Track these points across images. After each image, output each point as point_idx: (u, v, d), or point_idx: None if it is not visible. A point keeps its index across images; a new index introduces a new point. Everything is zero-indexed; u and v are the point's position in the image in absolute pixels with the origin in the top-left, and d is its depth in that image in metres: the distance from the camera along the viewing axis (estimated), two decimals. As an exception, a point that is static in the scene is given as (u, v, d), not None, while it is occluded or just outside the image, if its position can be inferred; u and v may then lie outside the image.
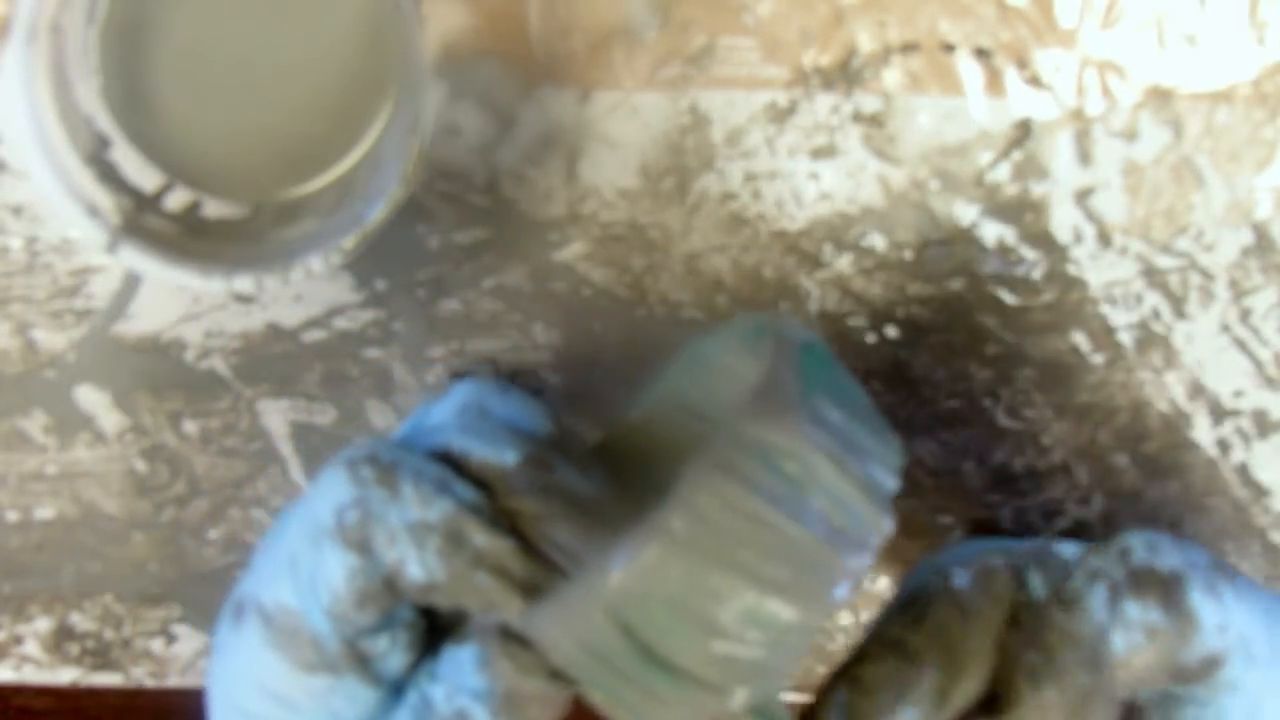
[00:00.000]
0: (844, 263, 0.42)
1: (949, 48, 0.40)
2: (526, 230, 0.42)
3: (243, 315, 0.42)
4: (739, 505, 0.29)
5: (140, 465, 0.44)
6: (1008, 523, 0.45)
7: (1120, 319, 0.43)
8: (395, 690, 0.34)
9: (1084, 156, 0.41)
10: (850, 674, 0.35)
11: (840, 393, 0.32)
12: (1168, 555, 0.34)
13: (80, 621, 0.45)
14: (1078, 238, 0.42)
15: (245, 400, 0.43)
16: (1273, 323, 0.42)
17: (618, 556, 0.29)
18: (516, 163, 0.41)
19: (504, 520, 0.33)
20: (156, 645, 0.45)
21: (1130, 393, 0.43)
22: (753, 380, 0.34)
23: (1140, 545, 0.35)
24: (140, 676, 0.46)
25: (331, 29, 0.37)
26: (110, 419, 0.43)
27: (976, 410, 0.44)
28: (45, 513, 0.44)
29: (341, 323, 0.42)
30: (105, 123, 0.36)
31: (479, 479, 0.33)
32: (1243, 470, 0.44)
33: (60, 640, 0.45)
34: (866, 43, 0.40)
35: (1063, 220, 0.42)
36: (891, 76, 0.41)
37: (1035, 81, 0.41)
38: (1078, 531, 0.45)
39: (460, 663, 0.33)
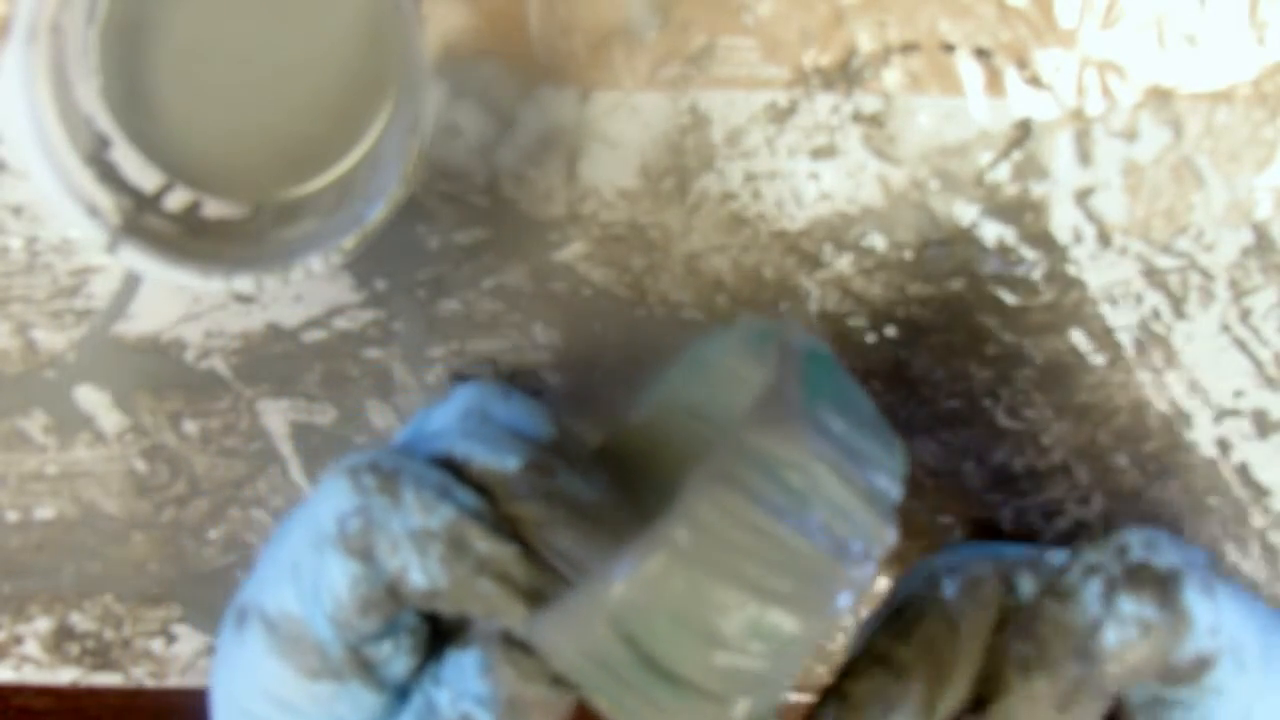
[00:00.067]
0: (844, 263, 0.42)
1: (949, 48, 0.40)
2: (526, 230, 0.42)
3: (243, 315, 0.42)
4: (742, 517, 0.29)
5: (140, 465, 0.44)
6: (1008, 523, 0.45)
7: (1120, 319, 0.43)
8: (400, 695, 0.34)
9: (1084, 156, 0.41)
10: (839, 689, 0.35)
11: (844, 400, 0.32)
12: (1165, 553, 0.34)
13: (80, 621, 0.45)
14: (1078, 238, 0.42)
15: (245, 400, 0.43)
16: (1273, 323, 0.42)
17: (620, 567, 0.29)
18: (516, 163, 0.41)
19: (506, 526, 0.32)
20: (156, 645, 0.45)
21: (1130, 393, 0.43)
22: (756, 386, 0.34)
23: (1138, 542, 0.35)
24: (140, 676, 0.46)
25: (331, 29, 0.37)
26: (110, 419, 0.43)
27: (976, 410, 0.44)
28: (45, 513, 0.44)
29: (341, 323, 0.42)
30: (105, 123, 0.36)
31: (481, 485, 0.33)
32: (1243, 470, 0.44)
33: (60, 640, 0.45)
34: (866, 43, 0.40)
35: (1063, 220, 0.42)
36: (891, 76, 0.41)
37: (1035, 81, 0.41)
38: (1078, 532, 0.45)
39: (463, 668, 0.33)
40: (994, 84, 0.41)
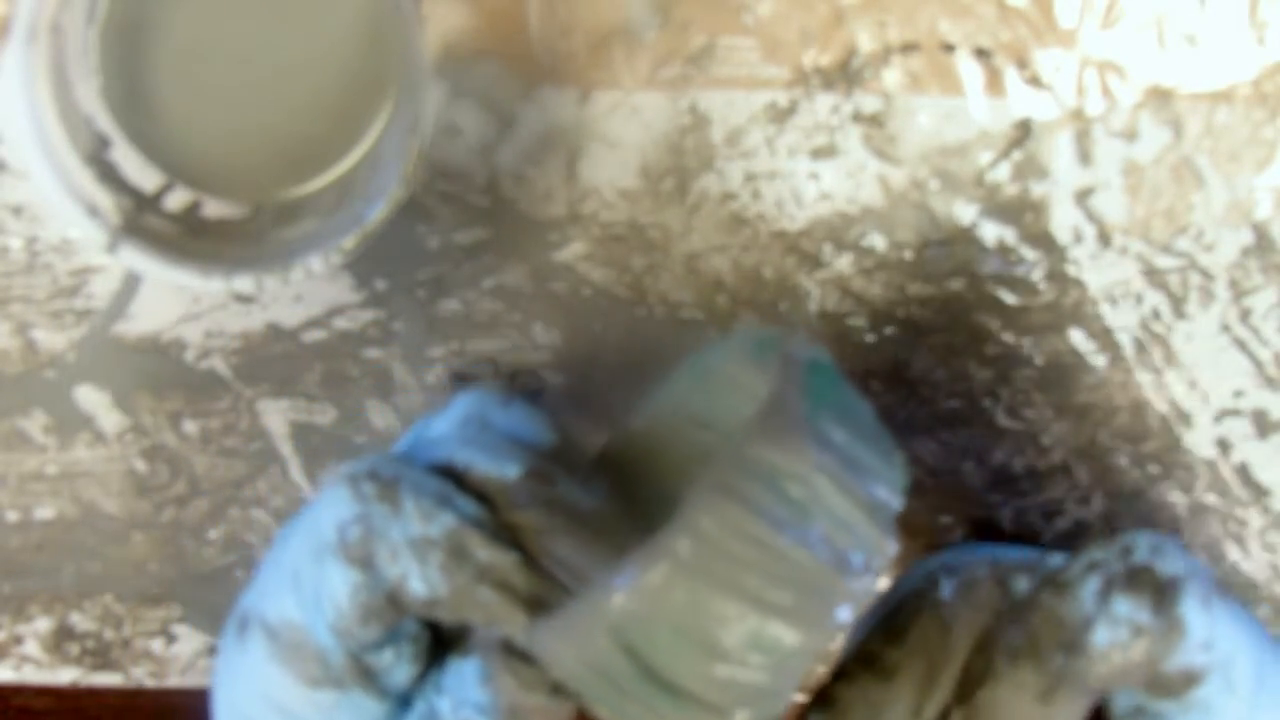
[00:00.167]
0: (844, 263, 0.42)
1: (949, 48, 0.40)
2: (526, 230, 0.42)
3: (243, 315, 0.42)
4: (743, 529, 0.29)
5: (140, 465, 0.44)
6: (1008, 523, 0.45)
7: (1120, 319, 0.43)
8: (402, 702, 0.34)
9: (1084, 156, 0.41)
10: (827, 694, 0.35)
11: (845, 411, 0.32)
12: (1170, 560, 0.34)
13: (80, 621, 0.45)
14: (1078, 238, 0.42)
15: (245, 400, 0.43)
16: (1273, 323, 0.42)
17: (621, 577, 0.29)
18: (516, 163, 0.41)
19: (506, 534, 0.32)
20: (156, 645, 0.45)
21: (1130, 393, 0.43)
22: (758, 394, 0.34)
23: (1145, 545, 0.34)
24: (140, 676, 0.46)
25: (331, 29, 0.37)
26: (110, 419, 0.43)
27: (976, 410, 0.44)
28: (45, 513, 0.44)
29: (341, 323, 0.42)
30: (105, 123, 0.36)
31: (481, 492, 0.33)
32: (1243, 470, 0.44)
33: (60, 640, 0.45)
34: (866, 43, 0.40)
35: (1063, 220, 0.42)
36: (891, 76, 0.41)
37: (1035, 81, 0.41)
38: (1078, 532, 0.45)
39: (464, 676, 0.33)
40: (994, 84, 0.41)
